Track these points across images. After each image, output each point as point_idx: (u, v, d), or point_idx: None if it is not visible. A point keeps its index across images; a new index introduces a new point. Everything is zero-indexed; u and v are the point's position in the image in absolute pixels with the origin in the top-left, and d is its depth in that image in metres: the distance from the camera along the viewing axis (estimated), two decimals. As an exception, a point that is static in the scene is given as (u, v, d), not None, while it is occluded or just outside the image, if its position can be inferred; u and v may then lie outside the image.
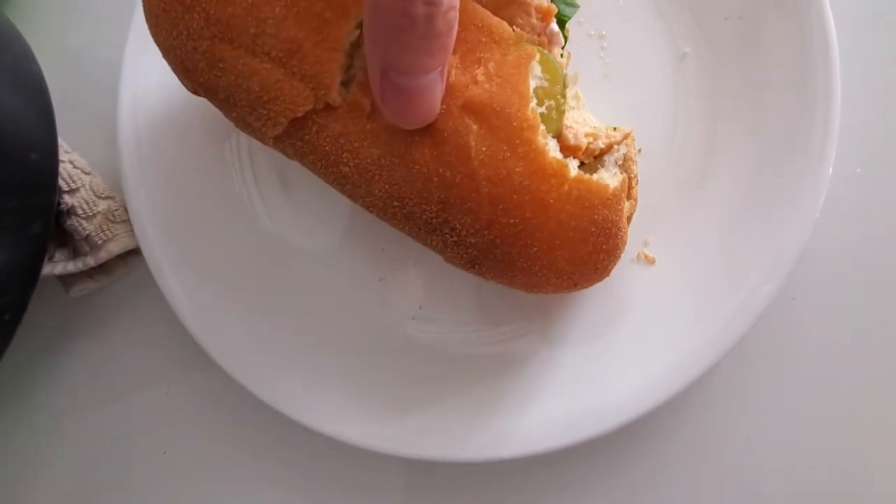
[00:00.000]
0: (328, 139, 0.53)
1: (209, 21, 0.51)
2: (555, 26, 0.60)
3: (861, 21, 0.77)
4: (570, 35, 0.70)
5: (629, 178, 0.61)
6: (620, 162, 0.61)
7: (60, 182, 0.75)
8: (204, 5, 0.51)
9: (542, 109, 0.52)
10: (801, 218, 0.66)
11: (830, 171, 0.66)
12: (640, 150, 0.73)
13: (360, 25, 0.51)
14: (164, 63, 0.58)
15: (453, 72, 0.49)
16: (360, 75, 0.52)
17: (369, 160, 0.52)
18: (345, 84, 0.52)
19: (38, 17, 0.89)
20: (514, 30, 0.52)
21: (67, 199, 0.76)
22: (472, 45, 0.50)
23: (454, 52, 0.50)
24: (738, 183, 0.70)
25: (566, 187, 0.50)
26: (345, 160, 0.53)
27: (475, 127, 0.49)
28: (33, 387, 0.80)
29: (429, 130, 0.50)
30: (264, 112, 0.54)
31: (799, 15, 0.68)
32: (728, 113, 0.72)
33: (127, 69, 0.77)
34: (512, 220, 0.50)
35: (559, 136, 0.55)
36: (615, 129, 0.63)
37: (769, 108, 0.69)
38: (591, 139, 0.58)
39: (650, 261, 0.71)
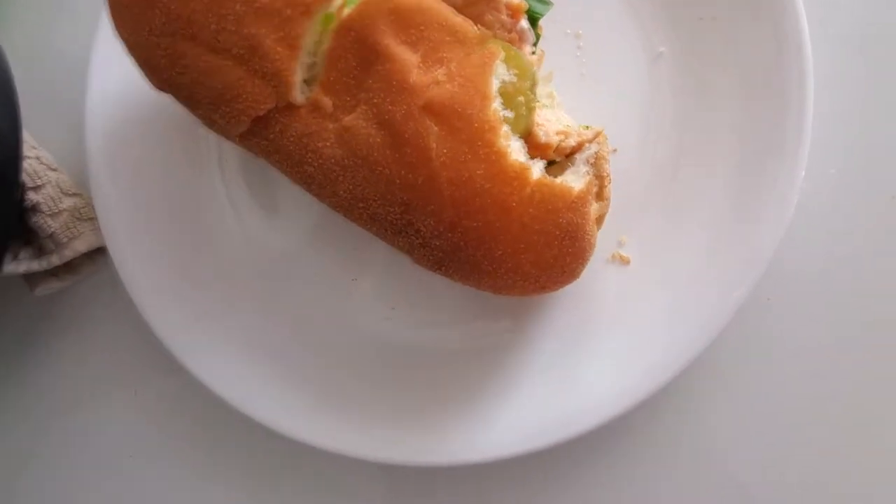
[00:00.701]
0: (291, 139, 0.52)
1: (170, 17, 0.50)
2: (525, 23, 0.59)
3: (834, 22, 0.77)
4: (546, 33, 0.69)
5: (601, 178, 0.61)
6: (592, 160, 0.60)
7: (25, 178, 0.74)
8: (165, 2, 0.50)
9: (508, 112, 0.52)
10: (775, 219, 0.66)
11: (804, 172, 0.66)
12: (614, 150, 0.72)
13: (323, 22, 0.50)
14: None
15: (414, 71, 0.49)
16: (323, 74, 0.51)
17: (332, 161, 0.51)
18: (307, 82, 0.51)
19: (8, 12, 0.87)
20: (478, 28, 0.52)
21: (32, 196, 0.74)
22: (435, 45, 0.50)
23: (416, 51, 0.49)
24: (711, 184, 0.70)
25: (528, 190, 0.49)
26: (308, 160, 0.52)
27: (436, 128, 0.48)
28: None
29: (390, 132, 0.49)
30: (227, 110, 0.53)
31: (773, 17, 0.68)
32: (702, 113, 0.71)
33: (95, 65, 0.75)
34: (475, 224, 0.50)
35: (529, 134, 0.55)
36: (587, 127, 0.63)
37: (743, 109, 0.69)
38: (562, 137, 0.58)
39: (625, 261, 0.71)
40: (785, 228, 0.66)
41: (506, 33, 0.56)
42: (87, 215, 0.76)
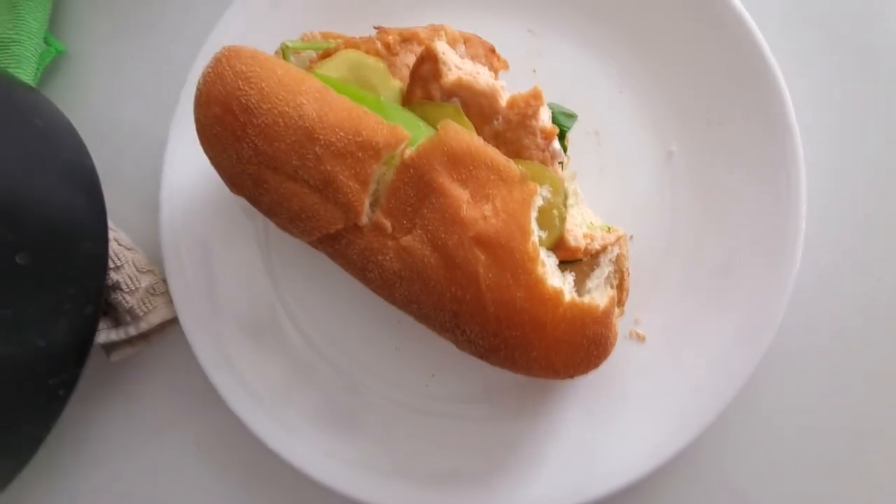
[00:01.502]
0: (356, 251, 0.61)
1: (257, 152, 0.60)
2: (556, 144, 0.69)
3: (828, 125, 0.85)
4: (570, 133, 0.79)
5: (622, 272, 0.70)
6: (614, 259, 0.69)
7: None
8: (253, 139, 0.60)
9: (543, 233, 0.61)
10: (775, 302, 0.74)
11: (799, 260, 0.74)
12: (631, 237, 0.81)
13: (387, 162, 0.60)
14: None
15: (465, 206, 0.58)
16: (384, 201, 0.60)
17: (391, 272, 0.60)
18: (371, 206, 0.61)
19: (87, 88, 0.97)
20: (519, 168, 0.60)
21: (113, 276, 0.84)
22: (482, 183, 0.59)
23: (466, 187, 0.58)
24: (718, 270, 0.78)
25: (561, 310, 0.58)
26: (370, 268, 0.62)
27: (483, 257, 0.57)
28: (73, 447, 0.88)
29: (443, 255, 0.58)
30: (302, 225, 0.62)
31: (771, 125, 0.76)
32: (709, 207, 0.79)
33: (170, 150, 0.84)
34: (515, 333, 0.58)
35: (561, 240, 0.64)
36: (609, 229, 0.72)
37: (746, 205, 0.77)
38: (588, 240, 0.67)
39: (641, 338, 0.79)
40: (784, 310, 0.74)
41: (540, 153, 0.66)
42: (159, 290, 0.85)
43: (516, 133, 0.65)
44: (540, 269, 0.58)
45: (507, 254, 0.57)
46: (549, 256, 0.62)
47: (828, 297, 0.82)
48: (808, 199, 0.75)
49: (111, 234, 0.86)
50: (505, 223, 0.57)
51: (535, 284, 0.57)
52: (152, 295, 0.85)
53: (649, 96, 0.84)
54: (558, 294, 0.58)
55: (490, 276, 0.57)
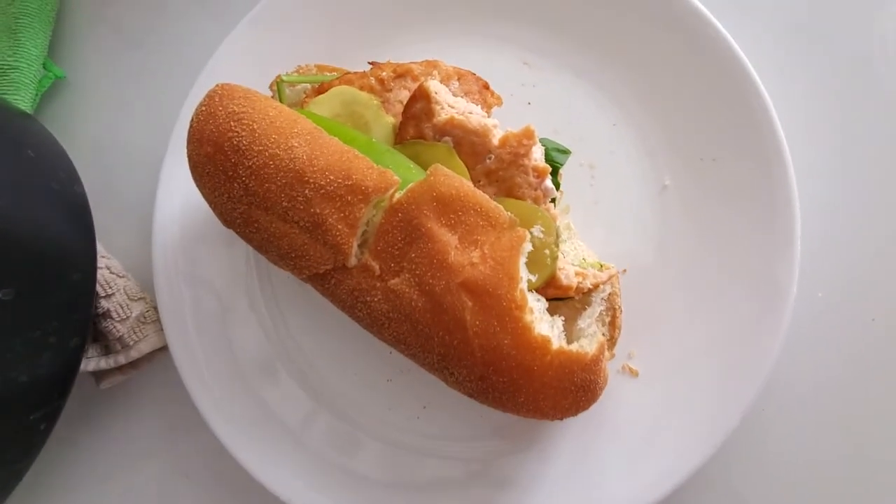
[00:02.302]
0: (344, 291, 0.61)
1: (248, 192, 0.60)
2: (548, 182, 0.69)
3: (823, 163, 0.85)
4: (565, 163, 0.79)
5: (614, 310, 0.70)
6: (605, 297, 0.69)
7: (97, 288, 0.83)
8: (244, 179, 0.60)
9: (532, 276, 0.61)
10: (770, 338, 0.73)
11: (793, 300, 0.74)
12: (624, 271, 0.81)
13: (376, 205, 0.60)
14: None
15: (452, 252, 0.58)
16: (372, 243, 0.60)
17: (379, 312, 0.60)
18: (360, 247, 0.61)
19: (85, 113, 0.98)
20: (508, 214, 0.60)
21: (103, 304, 0.83)
22: (471, 228, 0.59)
23: (454, 232, 0.58)
24: (712, 307, 0.77)
25: (549, 357, 0.58)
26: (359, 308, 0.61)
27: (470, 304, 0.57)
28: (59, 471, 0.87)
29: (431, 300, 0.58)
30: (292, 264, 0.62)
31: (764, 161, 0.76)
32: (703, 241, 0.79)
33: (164, 179, 0.84)
34: (502, 379, 0.58)
35: (553, 278, 0.64)
36: (602, 266, 0.72)
37: (739, 240, 0.77)
38: (580, 279, 0.67)
39: (634, 373, 0.78)
40: (779, 347, 0.73)
41: (532, 191, 0.66)
42: (150, 318, 0.85)
43: (508, 171, 0.65)
44: (528, 317, 0.57)
45: (494, 301, 0.57)
46: (538, 301, 0.62)
47: (823, 334, 0.82)
48: (802, 235, 0.75)
49: (103, 262, 0.86)
50: (493, 270, 0.57)
51: (522, 332, 0.57)
52: (143, 323, 0.85)
53: (643, 131, 0.84)
54: (546, 342, 0.58)
55: (477, 322, 0.57)
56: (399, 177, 0.60)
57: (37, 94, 0.93)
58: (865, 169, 0.85)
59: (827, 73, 0.88)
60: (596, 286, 0.67)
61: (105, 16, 0.99)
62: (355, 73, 0.73)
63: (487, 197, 0.61)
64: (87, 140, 0.96)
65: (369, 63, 0.75)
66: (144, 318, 0.85)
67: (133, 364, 0.87)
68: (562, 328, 0.63)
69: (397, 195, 0.60)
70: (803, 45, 0.88)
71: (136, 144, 0.95)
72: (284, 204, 0.59)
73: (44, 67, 0.94)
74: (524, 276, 0.60)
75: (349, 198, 0.58)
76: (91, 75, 0.98)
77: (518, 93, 0.86)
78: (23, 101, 0.91)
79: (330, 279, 0.61)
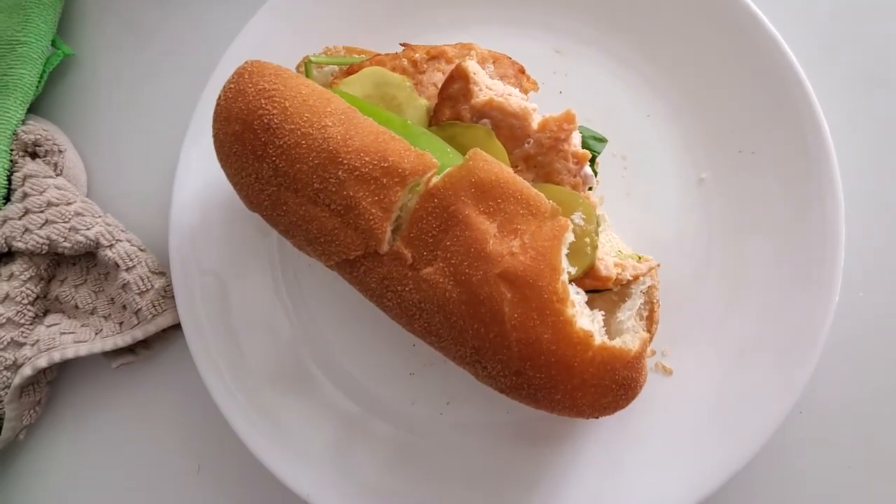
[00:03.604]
0: (375, 279, 0.59)
1: (278, 172, 0.58)
2: (587, 169, 0.66)
3: (864, 152, 0.82)
4: (602, 151, 0.76)
5: (652, 304, 0.67)
6: (645, 290, 0.67)
7: (119, 260, 0.82)
8: (274, 159, 0.57)
9: (572, 268, 0.58)
10: (811, 339, 0.70)
11: (836, 300, 0.71)
12: (658, 265, 0.78)
13: (412, 189, 0.57)
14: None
15: (491, 241, 0.55)
16: (405, 229, 0.58)
17: (410, 302, 0.58)
18: (392, 233, 0.58)
19: (95, 92, 0.96)
20: (550, 203, 0.58)
21: (124, 276, 0.82)
22: (511, 216, 0.56)
23: (493, 220, 0.56)
24: (749, 304, 0.74)
25: (590, 353, 0.55)
26: (388, 297, 0.59)
27: (509, 295, 0.54)
28: (72, 452, 0.86)
29: (466, 291, 0.55)
30: (320, 248, 0.60)
31: (809, 155, 0.73)
32: (740, 237, 0.76)
33: (184, 159, 0.82)
34: (539, 374, 0.56)
35: (592, 268, 0.61)
36: (640, 258, 0.69)
37: (778, 238, 0.74)
38: (619, 270, 0.64)
39: (668, 371, 0.75)
40: (820, 349, 0.70)
41: (571, 178, 0.64)
42: (171, 293, 0.83)
43: (548, 157, 0.63)
44: (569, 310, 0.55)
45: (534, 292, 0.54)
46: (577, 293, 0.59)
47: (863, 335, 0.79)
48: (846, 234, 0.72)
49: (123, 235, 0.84)
50: (534, 260, 0.55)
51: (563, 326, 0.54)
52: (163, 297, 0.83)
53: (680, 122, 0.81)
54: (588, 337, 0.55)
55: (516, 314, 0.54)
56: (438, 161, 0.58)
57: (44, 71, 0.92)
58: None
59: (871, 65, 0.84)
60: (636, 278, 0.65)
61: (116, -3, 0.97)
62: (387, 54, 0.71)
63: (528, 184, 0.58)
64: (97, 119, 0.94)
65: (401, 44, 0.73)
66: (165, 292, 0.83)
67: (146, 344, 0.85)
68: (602, 323, 0.60)
69: (434, 180, 0.58)
70: (847, 38, 0.85)
71: (149, 124, 0.93)
72: (316, 185, 0.57)
73: (53, 45, 0.93)
74: (566, 267, 0.57)
75: (385, 180, 0.56)
76: (101, 54, 0.96)
77: (550, 81, 0.83)
78: (30, 76, 0.89)
79: (360, 266, 0.59)
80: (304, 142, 0.57)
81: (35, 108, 0.92)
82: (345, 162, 0.56)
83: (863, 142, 0.83)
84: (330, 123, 0.57)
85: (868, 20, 0.86)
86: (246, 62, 0.62)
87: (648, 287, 0.65)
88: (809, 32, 0.86)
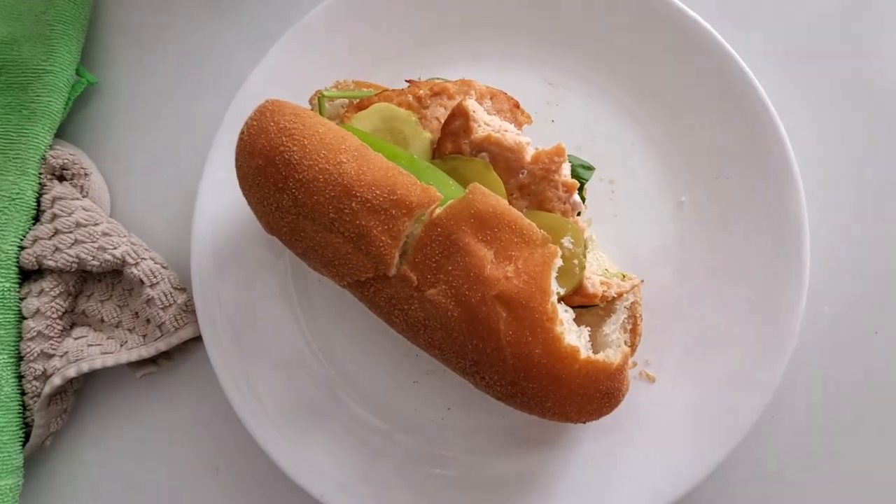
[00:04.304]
0: (383, 298, 0.65)
1: (297, 203, 0.64)
2: (576, 197, 0.73)
3: (829, 177, 0.89)
4: (589, 178, 0.83)
5: (635, 318, 0.74)
6: (628, 306, 0.73)
7: (143, 277, 0.88)
8: (294, 191, 0.64)
9: (561, 289, 0.65)
10: (780, 347, 0.78)
11: (803, 310, 0.78)
12: (642, 281, 0.84)
13: (418, 219, 0.64)
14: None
15: (488, 266, 0.62)
16: (411, 254, 0.64)
17: (415, 320, 0.65)
18: (399, 257, 0.65)
19: (118, 119, 1.01)
20: (541, 232, 0.65)
21: (148, 292, 0.88)
22: (506, 244, 0.63)
23: (490, 248, 0.62)
24: (724, 317, 0.81)
25: (577, 366, 0.62)
26: (396, 314, 0.66)
27: (504, 315, 0.61)
28: (96, 457, 0.92)
29: (466, 310, 0.62)
30: (334, 271, 0.66)
31: (776, 183, 0.80)
32: (718, 256, 0.83)
33: (204, 183, 0.88)
34: (531, 385, 0.62)
35: (580, 287, 0.68)
36: (624, 276, 0.76)
37: (751, 256, 0.81)
38: (605, 288, 0.71)
39: (651, 379, 0.82)
40: (789, 356, 0.78)
41: (561, 205, 0.70)
42: (191, 307, 0.90)
43: (540, 186, 0.70)
44: (558, 328, 0.62)
45: (527, 312, 0.61)
46: (566, 312, 0.66)
47: (829, 347, 0.86)
48: (810, 251, 0.79)
49: (147, 254, 0.90)
50: (526, 283, 0.61)
51: (552, 342, 0.61)
52: (185, 311, 0.89)
53: (661, 149, 0.88)
54: (575, 352, 0.62)
55: (510, 332, 0.61)
56: (440, 193, 0.64)
57: (69, 99, 0.97)
58: (873, 186, 0.89)
59: (835, 93, 0.91)
60: (620, 295, 0.71)
61: (136, 24, 1.02)
62: (393, 90, 0.78)
63: (522, 215, 0.65)
64: (120, 143, 0.99)
65: (406, 81, 0.79)
66: (187, 306, 0.89)
67: (167, 356, 0.91)
68: (588, 338, 0.67)
69: (437, 211, 0.64)
70: (812, 66, 0.92)
71: (168, 147, 0.99)
72: (332, 215, 0.63)
73: (76, 73, 0.98)
74: (555, 289, 0.64)
75: (394, 212, 0.62)
76: (123, 81, 1.01)
77: (542, 110, 0.90)
78: (56, 104, 0.94)
79: (370, 287, 0.66)
80: (321, 176, 0.63)
81: (61, 133, 0.98)
82: (358, 195, 0.63)
83: (829, 166, 0.90)
84: (345, 160, 0.63)
85: (837, 44, 0.92)
86: (267, 101, 0.69)
87: (631, 303, 0.72)
88: (780, 57, 0.92)
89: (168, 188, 0.98)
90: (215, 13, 1.01)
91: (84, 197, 0.93)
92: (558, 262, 0.64)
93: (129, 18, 1.03)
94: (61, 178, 0.95)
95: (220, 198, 0.88)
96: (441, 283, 0.63)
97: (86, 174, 0.94)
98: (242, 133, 0.68)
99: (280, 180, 0.64)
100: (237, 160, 0.69)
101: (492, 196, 0.64)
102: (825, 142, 0.90)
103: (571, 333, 0.64)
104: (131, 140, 1.00)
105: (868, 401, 0.85)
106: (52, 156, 0.94)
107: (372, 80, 0.84)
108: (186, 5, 1.02)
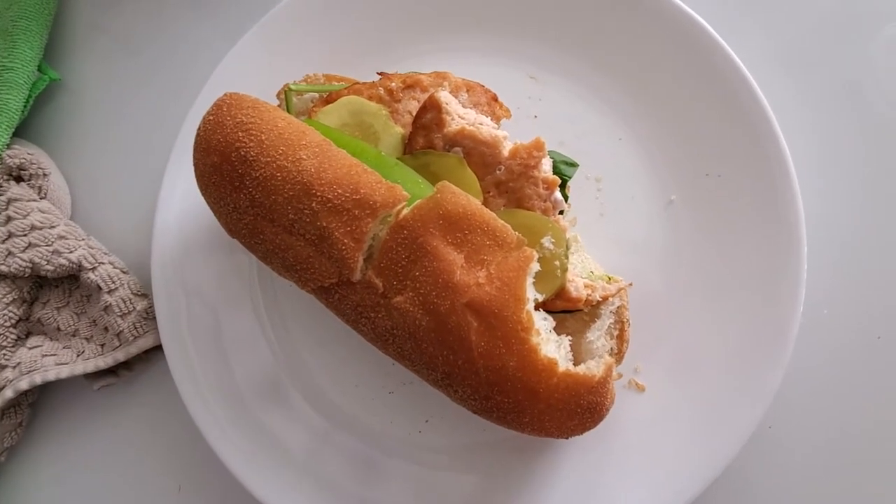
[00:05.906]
0: (349, 306, 0.60)
1: (254, 203, 0.59)
2: (557, 194, 0.68)
3: (825, 175, 0.85)
4: (573, 176, 0.78)
5: (622, 322, 0.69)
6: (614, 310, 0.69)
7: (101, 283, 0.83)
8: (250, 190, 0.59)
9: (539, 295, 0.60)
10: (777, 353, 0.73)
11: (800, 313, 0.74)
12: (630, 284, 0.80)
13: (383, 220, 0.59)
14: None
15: (458, 272, 0.57)
16: (376, 259, 0.59)
17: (383, 329, 0.60)
18: (365, 261, 0.60)
19: (81, 117, 0.97)
20: (516, 235, 0.60)
21: (106, 298, 0.83)
22: (477, 247, 0.58)
23: (460, 251, 0.58)
24: (716, 323, 0.77)
25: (555, 380, 0.57)
26: (363, 323, 0.61)
27: (475, 324, 0.56)
28: (53, 473, 0.87)
29: (435, 319, 0.57)
30: (296, 275, 0.61)
31: (770, 178, 0.76)
32: (708, 256, 0.79)
33: (167, 184, 0.84)
34: (506, 399, 0.57)
35: (563, 290, 0.63)
36: (610, 279, 0.71)
37: (745, 257, 0.77)
38: (589, 291, 0.66)
39: (640, 388, 0.77)
40: (787, 362, 0.73)
41: (541, 203, 0.66)
42: (152, 314, 0.85)
43: (518, 183, 0.65)
44: (534, 339, 0.57)
45: (500, 322, 0.56)
46: (544, 320, 0.61)
47: (828, 351, 0.81)
48: (807, 253, 0.74)
49: (106, 258, 0.85)
50: (499, 290, 0.57)
51: (528, 353, 0.56)
52: (145, 319, 0.84)
53: (649, 146, 0.83)
54: (552, 364, 0.57)
55: (482, 343, 0.56)
56: (407, 192, 0.60)
57: (30, 96, 0.93)
58: (869, 187, 0.85)
59: (832, 93, 0.87)
60: (605, 298, 0.67)
61: (102, 21, 0.99)
62: (364, 83, 0.73)
63: (495, 216, 0.60)
64: (84, 143, 0.95)
65: (378, 73, 0.75)
66: (147, 314, 0.84)
67: (127, 365, 0.86)
68: (569, 348, 0.62)
69: (404, 212, 0.60)
70: (809, 65, 0.88)
71: (132, 148, 0.95)
72: (291, 216, 0.59)
73: (39, 70, 0.94)
74: (531, 296, 0.59)
75: (356, 212, 0.58)
76: (87, 79, 0.97)
77: (524, 106, 0.85)
78: (15, 102, 0.91)
79: (334, 293, 0.61)
80: (279, 174, 0.58)
81: (20, 132, 0.94)
82: (318, 194, 0.58)
83: (824, 163, 0.85)
84: (304, 156, 0.59)
85: (831, 44, 0.89)
86: (225, 94, 0.64)
87: (618, 307, 0.67)
88: (772, 57, 0.88)
89: (131, 189, 0.93)
90: (183, 10, 0.98)
91: (42, 198, 0.89)
92: (535, 266, 0.59)
93: (96, 15, 1.00)
94: (18, 179, 0.90)
95: (183, 199, 0.84)
96: (408, 290, 0.58)
97: (44, 174, 0.89)
98: (199, 128, 0.63)
99: (236, 178, 0.60)
100: (194, 157, 0.64)
101: (462, 195, 0.60)
102: (822, 142, 0.86)
103: (550, 344, 0.59)
104: (95, 139, 0.96)
105: (868, 407, 0.80)
106: (8, 155, 0.89)
107: (349, 76, 0.79)
108: (154, 3, 0.98)
